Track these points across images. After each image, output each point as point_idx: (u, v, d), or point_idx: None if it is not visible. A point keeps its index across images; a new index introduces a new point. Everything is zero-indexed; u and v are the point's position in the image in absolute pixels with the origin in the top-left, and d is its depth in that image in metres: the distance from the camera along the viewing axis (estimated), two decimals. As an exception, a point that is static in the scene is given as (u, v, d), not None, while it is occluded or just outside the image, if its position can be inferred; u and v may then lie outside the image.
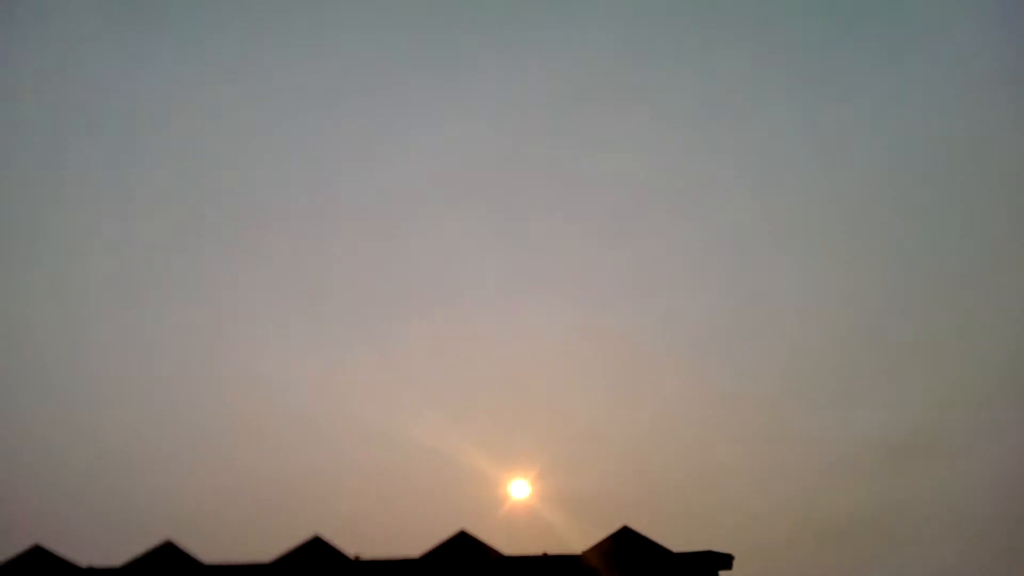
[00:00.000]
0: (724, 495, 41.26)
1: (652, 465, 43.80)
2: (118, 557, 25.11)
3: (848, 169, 52.61)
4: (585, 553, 25.80)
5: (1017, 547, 35.15)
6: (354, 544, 26.15)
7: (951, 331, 47.32)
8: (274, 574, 24.96)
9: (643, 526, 26.38)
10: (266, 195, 52.96)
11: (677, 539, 26.20)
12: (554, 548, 26.20)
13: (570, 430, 45.59)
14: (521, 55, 53.35)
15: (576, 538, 26.83)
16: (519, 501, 32.68)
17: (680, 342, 50.16)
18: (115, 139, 50.92)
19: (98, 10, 48.79)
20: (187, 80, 51.65)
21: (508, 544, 26.23)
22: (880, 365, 47.26)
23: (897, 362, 47.06)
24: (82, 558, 25.04)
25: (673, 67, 53.54)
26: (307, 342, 49.67)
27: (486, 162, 54.62)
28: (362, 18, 52.57)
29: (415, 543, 26.22)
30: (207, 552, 25.64)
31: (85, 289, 48.16)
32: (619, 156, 53.66)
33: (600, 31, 52.74)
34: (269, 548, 25.86)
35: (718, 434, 45.25)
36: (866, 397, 45.75)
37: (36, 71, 48.99)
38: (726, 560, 25.21)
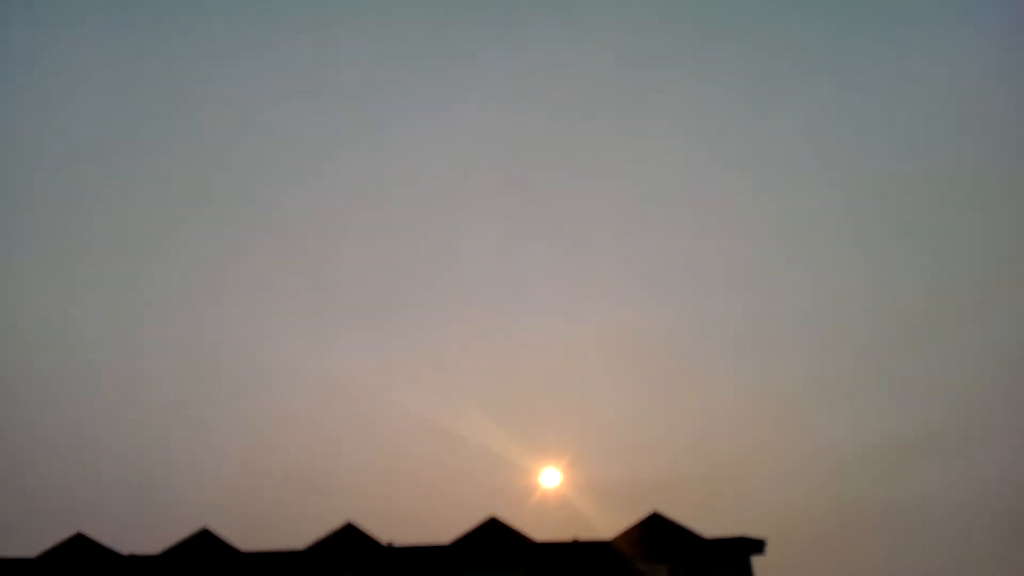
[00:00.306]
0: (747, 487, 41.17)
1: (680, 456, 43.78)
2: (157, 545, 25.67)
3: (855, 169, 52.26)
4: (615, 539, 25.75)
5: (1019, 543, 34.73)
6: (388, 531, 26.45)
7: (957, 332, 46.72)
8: (308, 560, 25.31)
9: (673, 514, 26.28)
10: (315, 201, 53.76)
11: (705, 528, 26.07)
12: (585, 535, 26.21)
13: (602, 421, 45.73)
14: (536, 54, 53.47)
15: (606, 525, 26.84)
16: (550, 489, 32.74)
17: (707, 339, 50.21)
18: (116, 134, 51.66)
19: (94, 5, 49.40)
20: (194, 76, 52.26)
21: (540, 531, 26.34)
22: (891, 364, 46.92)
23: (907, 362, 46.68)
24: (123, 546, 25.64)
25: (683, 66, 53.27)
26: (346, 336, 50.34)
27: (521, 164, 54.90)
28: (377, 17, 52.84)
29: (449, 530, 26.44)
30: (243, 539, 26.12)
31: (128, 289, 49.28)
32: (641, 159, 53.75)
33: (609, 30, 52.60)
34: (304, 535, 26.29)
35: (741, 428, 45.22)
36: (877, 396, 45.51)
37: (30, 65, 49.90)
38: (758, 545, 24.97)
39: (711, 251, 52.81)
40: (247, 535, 26.54)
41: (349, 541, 25.81)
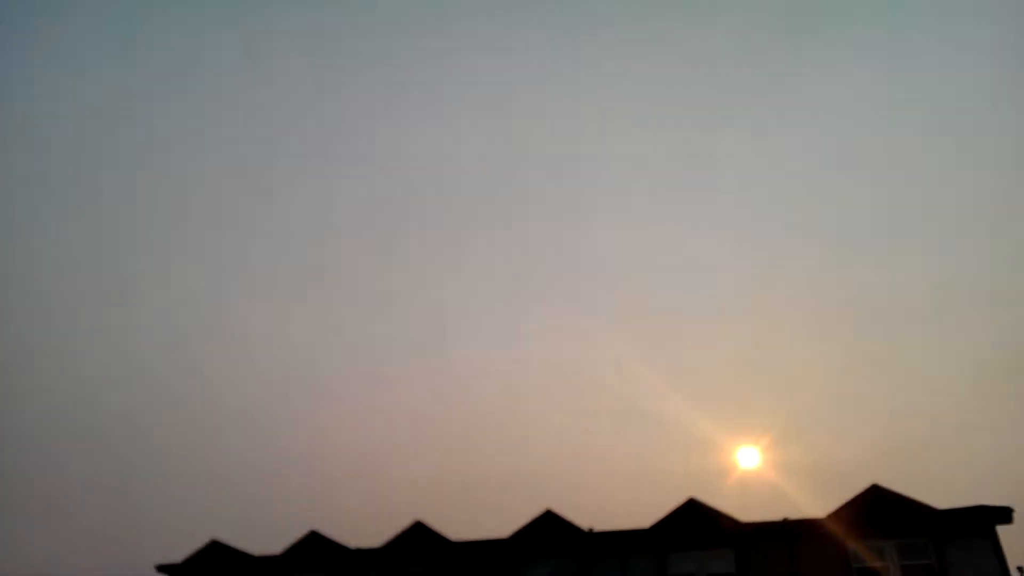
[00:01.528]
0: (978, 455, 36.28)
1: (892, 431, 39.88)
2: (378, 540, 27.87)
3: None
4: (829, 516, 23.82)
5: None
6: (588, 518, 26.58)
7: None
8: (511, 547, 26.14)
9: (900, 487, 23.78)
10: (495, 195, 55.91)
11: (944, 500, 23.24)
12: (796, 514, 24.50)
13: (804, 398, 42.92)
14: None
15: (814, 505, 24.91)
16: (748, 470, 31.15)
17: (915, 301, 45.12)
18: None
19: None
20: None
21: (739, 511, 25.07)
22: None
23: None
24: (350, 542, 28.14)
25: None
26: (550, 324, 51.53)
27: (695, 150, 53.30)
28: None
29: (647, 513, 26.03)
30: (452, 530, 27.61)
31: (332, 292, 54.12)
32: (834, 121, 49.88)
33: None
34: (505, 525, 27.22)
35: (967, 394, 40.08)
36: None
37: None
38: (1005, 513, 21.85)
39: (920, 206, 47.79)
40: (456, 526, 28.13)
41: (549, 527, 26.29)
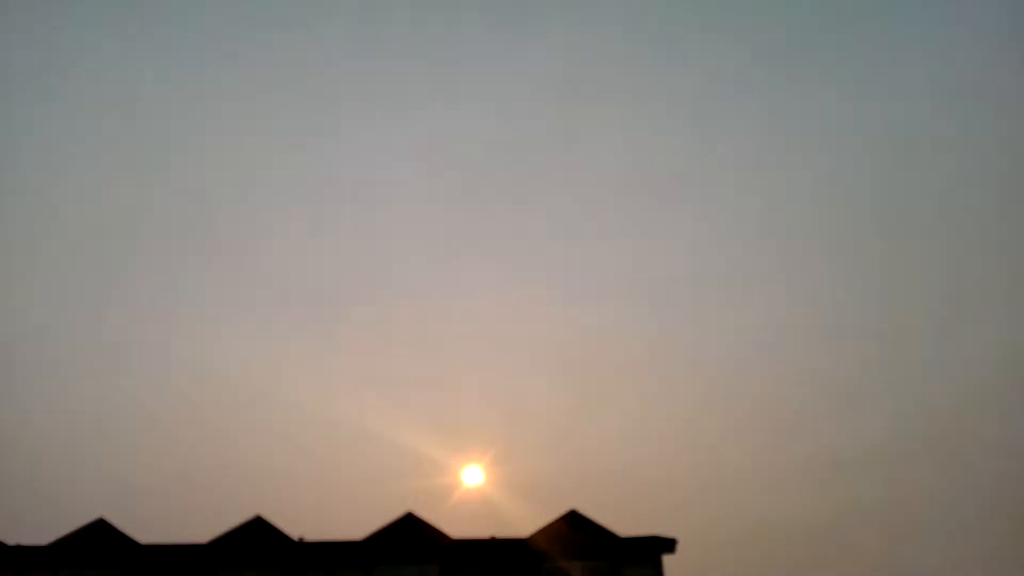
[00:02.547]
0: (678, 491, 41.60)
1: (608, 456, 44.10)
2: (47, 535, 24.20)
3: (841, 170, 52.91)
4: (532, 536, 25.66)
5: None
6: (301, 528, 25.60)
7: (943, 338, 46.87)
8: (213, 554, 24.26)
9: (594, 512, 26.40)
10: (217, 191, 52.51)
11: (628, 527, 26.25)
12: (504, 532, 26.01)
13: (528, 419, 45.72)
14: (509, 51, 53.38)
15: (528, 523, 26.67)
16: (472, 487, 32.47)
17: (647, 341, 50.24)
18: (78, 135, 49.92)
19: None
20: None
21: (459, 528, 25.99)
22: (850, 376, 47.27)
23: (867, 372, 47.20)
24: (9, 536, 24.03)
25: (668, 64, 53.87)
26: (258, 333, 48.96)
27: (453, 158, 54.63)
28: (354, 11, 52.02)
29: (368, 528, 25.78)
30: (143, 532, 24.87)
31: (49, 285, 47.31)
32: (601, 154, 53.96)
33: (595, 28, 53.01)
34: (212, 529, 25.23)
35: (678, 435, 45.73)
36: (829, 409, 46.03)
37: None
38: (669, 544, 25.31)
39: (665, 256, 53.16)
40: (149, 527, 25.39)
41: (257, 535, 24.91)
